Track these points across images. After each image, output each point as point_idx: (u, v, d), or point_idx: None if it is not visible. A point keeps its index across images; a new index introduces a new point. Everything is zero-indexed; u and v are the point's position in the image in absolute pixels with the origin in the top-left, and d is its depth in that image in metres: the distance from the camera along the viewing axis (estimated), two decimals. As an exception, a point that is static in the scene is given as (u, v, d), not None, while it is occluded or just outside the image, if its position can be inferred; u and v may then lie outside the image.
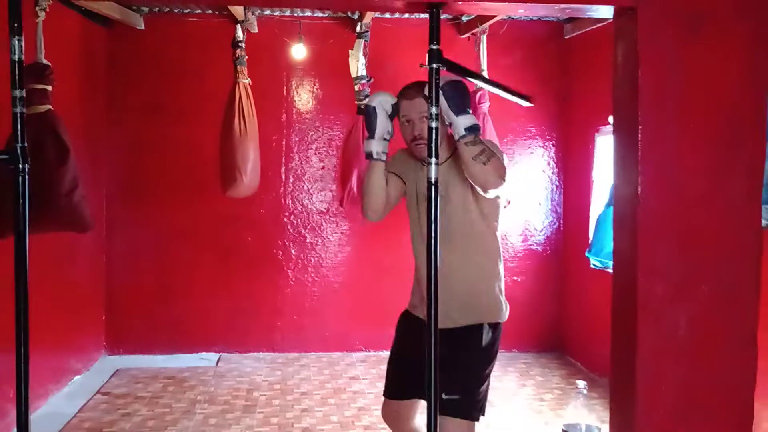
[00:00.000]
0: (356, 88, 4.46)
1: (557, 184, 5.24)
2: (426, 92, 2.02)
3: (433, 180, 1.79)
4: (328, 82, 5.02)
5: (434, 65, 1.77)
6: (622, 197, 1.86)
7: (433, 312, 1.81)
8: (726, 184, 1.80)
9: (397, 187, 2.49)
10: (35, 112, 3.04)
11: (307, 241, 5.08)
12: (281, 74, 5.03)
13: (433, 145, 1.79)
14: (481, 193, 2.27)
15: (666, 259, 1.78)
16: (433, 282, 1.80)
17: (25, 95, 3.22)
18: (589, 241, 4.58)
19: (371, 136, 2.33)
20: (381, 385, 4.31)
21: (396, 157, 2.54)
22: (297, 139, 5.07)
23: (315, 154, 5.08)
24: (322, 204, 5.09)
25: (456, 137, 2.16)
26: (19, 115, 1.61)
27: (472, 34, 4.77)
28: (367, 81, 4.44)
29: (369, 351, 5.09)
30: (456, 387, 2.28)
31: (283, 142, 5.06)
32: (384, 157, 2.37)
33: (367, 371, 4.67)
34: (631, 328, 1.80)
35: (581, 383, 1.82)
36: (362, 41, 4.44)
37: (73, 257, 4.42)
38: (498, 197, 2.42)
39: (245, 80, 4.38)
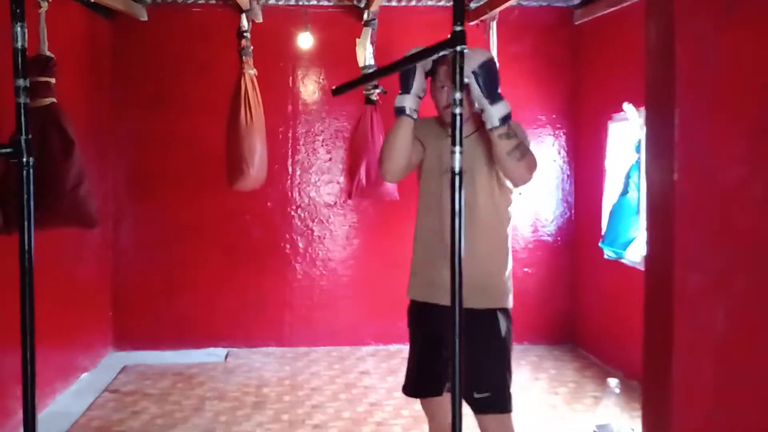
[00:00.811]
0: (364, 77, 4.37)
1: (568, 173, 5.15)
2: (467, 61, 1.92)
3: (457, 170, 1.71)
4: (335, 72, 4.92)
5: (458, 48, 1.68)
6: (656, 185, 1.78)
7: (457, 308, 1.72)
8: (765, 169, 1.71)
9: (417, 153, 2.37)
10: (39, 105, 2.97)
11: (315, 234, 5.00)
12: (287, 65, 4.94)
13: (458, 132, 1.70)
14: (510, 186, 2.20)
15: (703, 249, 1.70)
16: (457, 275, 1.72)
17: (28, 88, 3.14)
18: (603, 232, 4.50)
19: (406, 91, 2.20)
20: (392, 380, 4.29)
21: (418, 123, 2.43)
22: (303, 130, 4.98)
23: (322, 145, 4.99)
24: (329, 196, 5.01)
25: (489, 126, 2.08)
26: (22, 105, 1.53)
27: (481, 20, 4.66)
28: (378, 89, 4.35)
29: (379, 345, 5.02)
30: (485, 384, 2.23)
31: (290, 134, 4.97)
32: (415, 115, 2.25)
33: (377, 365, 4.60)
34: (666, 323, 1.72)
35: (613, 381, 1.74)
36: (369, 30, 4.35)
37: (80, 253, 4.35)
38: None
39: (251, 71, 4.29)
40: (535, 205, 5.08)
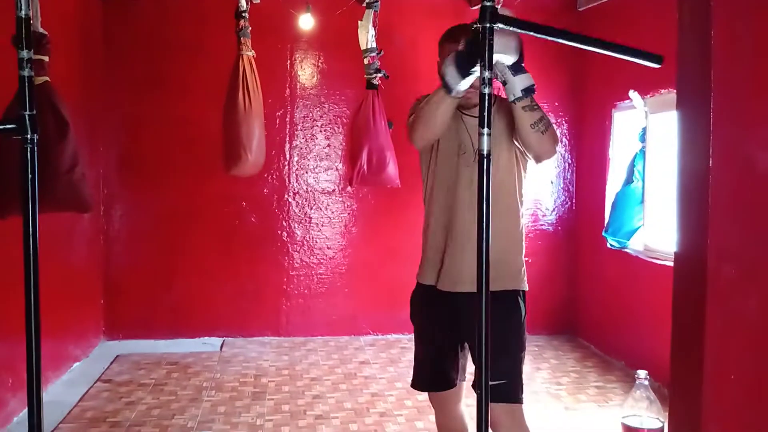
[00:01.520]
0: (365, 61, 4.25)
1: (570, 162, 5.10)
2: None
3: (485, 152, 1.63)
4: (335, 55, 4.82)
5: (487, 24, 1.59)
6: (690, 172, 1.71)
7: (484, 297, 1.65)
8: (803, 156, 1.65)
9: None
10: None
11: (313, 221, 4.91)
12: (285, 47, 4.83)
13: (486, 114, 1.62)
14: (532, 161, 2.12)
15: (737, 238, 1.64)
16: (484, 261, 1.64)
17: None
18: (605, 221, 4.45)
19: (468, 74, 2.01)
20: (392, 370, 4.23)
21: None
22: (302, 115, 4.88)
23: (321, 131, 4.89)
24: (328, 183, 4.92)
25: (511, 98, 1.99)
26: (26, 79, 1.42)
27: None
28: (377, 54, 4.24)
29: (377, 335, 4.95)
30: (500, 370, 2.15)
31: (287, 119, 4.87)
32: (458, 100, 2.12)
33: (376, 355, 4.53)
34: (698, 314, 1.65)
35: (642, 373, 1.67)
36: (372, 12, 4.22)
37: (71, 239, 4.23)
38: (528, 158, 2.29)
39: (249, 53, 4.15)
40: (536, 194, 5.02)
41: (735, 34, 1.62)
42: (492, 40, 1.61)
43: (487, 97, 1.63)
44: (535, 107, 2.01)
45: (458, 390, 2.36)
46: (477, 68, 2.08)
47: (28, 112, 1.44)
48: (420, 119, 2.21)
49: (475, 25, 1.92)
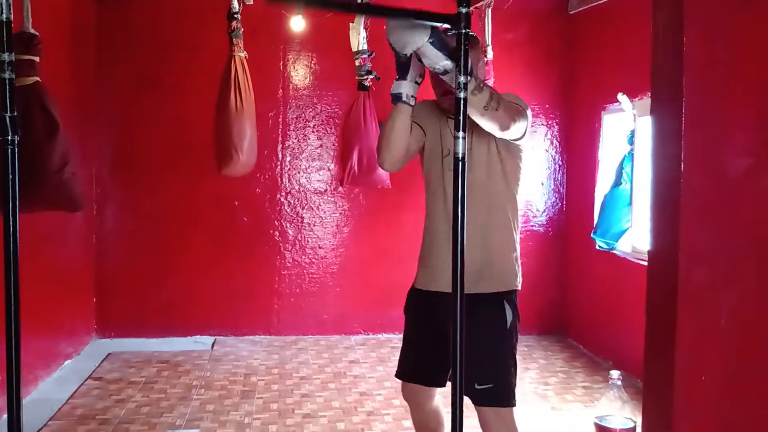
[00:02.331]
0: (357, 62, 4.29)
1: (560, 163, 5.13)
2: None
3: (460, 156, 1.66)
4: (327, 56, 4.84)
5: (463, 30, 1.62)
6: (663, 176, 1.74)
7: (459, 297, 1.68)
8: (773, 161, 1.67)
9: (418, 138, 2.31)
10: (22, 84, 2.86)
11: (305, 221, 4.93)
12: (277, 48, 4.85)
13: (461, 117, 1.65)
14: (502, 135, 2.13)
15: (710, 242, 1.66)
16: (459, 261, 1.67)
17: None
18: (594, 222, 4.48)
19: (403, 77, 2.13)
20: (382, 369, 4.26)
21: (417, 107, 2.33)
22: (294, 116, 4.90)
23: (313, 131, 4.92)
24: (320, 183, 4.94)
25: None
26: (7, 81, 1.45)
27: (476, 7, 4.60)
28: (369, 55, 4.27)
29: (368, 334, 4.98)
30: (487, 374, 2.18)
31: (280, 119, 4.89)
32: (413, 102, 2.18)
33: (366, 355, 4.56)
34: (670, 317, 1.68)
35: (615, 373, 1.70)
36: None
37: (62, 237, 4.25)
38: (520, 152, 2.32)
39: (241, 54, 4.18)
40: (527, 195, 5.05)
41: (709, 39, 1.65)
42: (467, 45, 1.65)
43: (462, 102, 1.67)
44: (482, 87, 2.02)
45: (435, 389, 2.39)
46: (413, 70, 2.14)
47: (8, 114, 1.47)
48: (380, 142, 2.26)
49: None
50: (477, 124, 2.19)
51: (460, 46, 1.62)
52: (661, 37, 1.74)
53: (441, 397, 2.38)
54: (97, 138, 4.70)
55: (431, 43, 1.95)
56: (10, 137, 1.46)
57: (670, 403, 1.69)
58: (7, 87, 1.46)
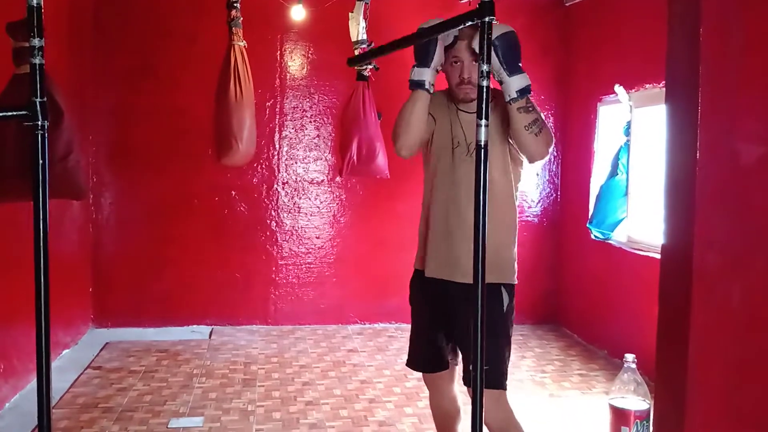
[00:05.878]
0: (356, 53, 4.29)
1: (555, 154, 5.18)
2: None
3: (483, 143, 1.68)
4: (325, 46, 4.84)
5: (487, 18, 1.64)
6: (678, 164, 1.78)
7: (480, 289, 1.71)
8: (785, 150, 1.72)
9: (429, 128, 2.33)
10: (26, 72, 2.83)
11: (302, 211, 4.94)
12: (275, 37, 4.84)
13: (484, 105, 1.67)
14: (525, 161, 2.18)
15: (723, 229, 1.71)
16: (480, 253, 1.70)
17: (14, 53, 2.99)
18: (590, 213, 4.54)
19: (425, 64, 2.15)
20: (380, 358, 4.30)
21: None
22: (291, 106, 4.90)
23: (310, 121, 4.92)
24: (317, 173, 4.95)
25: (506, 98, 2.05)
26: (38, 66, 1.46)
27: (474, -1, 4.62)
28: (368, 46, 4.27)
29: (364, 323, 5.01)
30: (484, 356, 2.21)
31: (277, 109, 4.89)
32: (432, 90, 2.20)
33: (364, 344, 4.59)
34: (683, 304, 1.72)
35: (630, 356, 1.74)
36: (363, 3, 4.25)
37: (60, 227, 4.23)
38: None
39: (240, 43, 4.18)
40: (522, 186, 5.07)
41: (724, 28, 1.69)
42: (491, 34, 1.67)
43: (485, 90, 1.69)
44: (530, 109, 2.07)
45: (451, 371, 2.43)
46: (436, 57, 2.18)
47: (39, 99, 1.47)
48: (398, 128, 2.27)
49: (430, 22, 2.04)
50: (493, 120, 2.23)
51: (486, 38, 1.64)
52: (677, 27, 1.78)
53: (459, 386, 2.42)
54: (94, 128, 4.67)
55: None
56: (40, 122, 1.47)
57: (683, 388, 1.73)
58: (37, 72, 1.46)
